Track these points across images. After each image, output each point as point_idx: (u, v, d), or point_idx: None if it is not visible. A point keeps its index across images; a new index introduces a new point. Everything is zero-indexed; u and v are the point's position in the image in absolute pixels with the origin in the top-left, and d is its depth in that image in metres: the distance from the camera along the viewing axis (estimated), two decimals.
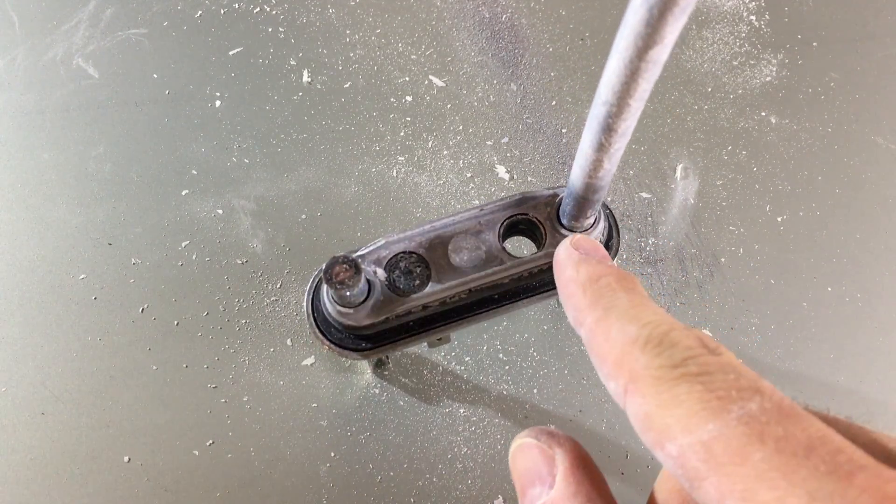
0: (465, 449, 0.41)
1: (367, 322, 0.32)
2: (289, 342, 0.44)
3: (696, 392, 0.18)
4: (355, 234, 0.47)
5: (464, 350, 0.43)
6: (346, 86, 0.53)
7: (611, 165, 0.27)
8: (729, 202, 0.49)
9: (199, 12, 0.56)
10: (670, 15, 0.19)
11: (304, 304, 0.34)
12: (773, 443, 0.16)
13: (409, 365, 0.43)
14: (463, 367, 0.43)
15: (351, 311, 0.31)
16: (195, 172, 0.49)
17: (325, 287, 0.32)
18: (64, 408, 0.42)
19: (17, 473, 0.40)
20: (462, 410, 0.42)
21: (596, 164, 0.27)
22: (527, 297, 0.34)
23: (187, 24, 0.55)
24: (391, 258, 0.33)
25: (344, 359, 0.42)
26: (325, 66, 0.54)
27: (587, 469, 0.24)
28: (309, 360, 0.43)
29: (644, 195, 0.49)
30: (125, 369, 0.43)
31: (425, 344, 0.37)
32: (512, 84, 0.53)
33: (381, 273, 0.32)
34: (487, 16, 0.57)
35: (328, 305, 0.32)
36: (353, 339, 0.33)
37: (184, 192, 0.48)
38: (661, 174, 0.50)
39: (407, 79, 0.53)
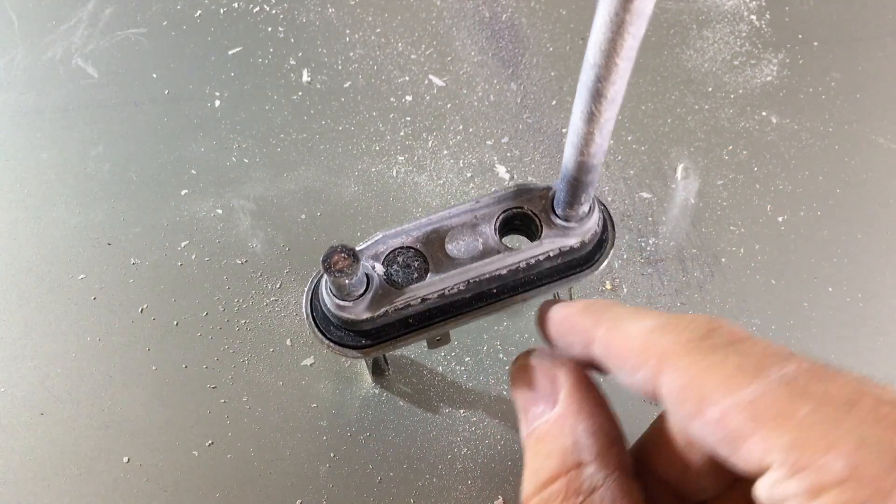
0: (465, 449, 0.41)
1: (366, 315, 0.31)
2: (288, 342, 0.43)
3: (731, 358, 0.19)
4: (355, 233, 0.47)
5: (464, 350, 0.43)
6: (346, 85, 0.53)
7: (602, 140, 0.27)
8: (730, 202, 0.49)
9: (199, 12, 0.56)
10: None
11: (303, 302, 0.34)
12: (817, 399, 0.17)
13: (409, 366, 0.43)
14: (463, 368, 0.43)
15: (350, 303, 0.31)
16: (194, 172, 0.49)
17: (323, 285, 0.32)
18: (63, 408, 0.42)
19: (16, 474, 0.40)
20: (462, 411, 0.42)
21: (587, 138, 0.27)
22: (524, 291, 0.34)
23: (187, 23, 0.55)
24: (388, 253, 0.32)
25: (344, 359, 0.42)
26: (325, 65, 0.54)
27: (590, 388, 0.25)
28: (308, 361, 0.43)
29: (645, 195, 0.49)
30: (124, 370, 0.43)
31: (425, 345, 0.37)
32: (512, 83, 0.53)
33: (379, 268, 0.32)
34: (487, 15, 0.57)
35: (327, 300, 0.32)
36: (353, 337, 0.33)
37: (183, 192, 0.48)
38: (662, 174, 0.50)
39: (407, 78, 0.53)
